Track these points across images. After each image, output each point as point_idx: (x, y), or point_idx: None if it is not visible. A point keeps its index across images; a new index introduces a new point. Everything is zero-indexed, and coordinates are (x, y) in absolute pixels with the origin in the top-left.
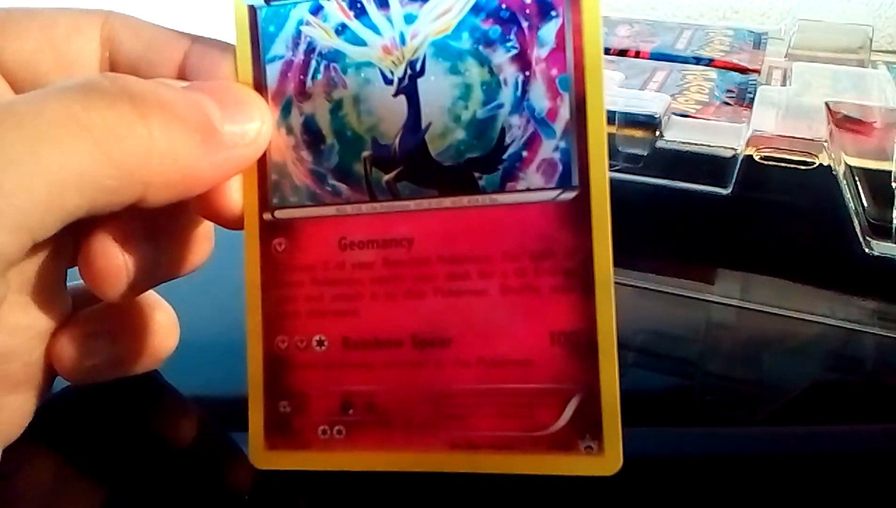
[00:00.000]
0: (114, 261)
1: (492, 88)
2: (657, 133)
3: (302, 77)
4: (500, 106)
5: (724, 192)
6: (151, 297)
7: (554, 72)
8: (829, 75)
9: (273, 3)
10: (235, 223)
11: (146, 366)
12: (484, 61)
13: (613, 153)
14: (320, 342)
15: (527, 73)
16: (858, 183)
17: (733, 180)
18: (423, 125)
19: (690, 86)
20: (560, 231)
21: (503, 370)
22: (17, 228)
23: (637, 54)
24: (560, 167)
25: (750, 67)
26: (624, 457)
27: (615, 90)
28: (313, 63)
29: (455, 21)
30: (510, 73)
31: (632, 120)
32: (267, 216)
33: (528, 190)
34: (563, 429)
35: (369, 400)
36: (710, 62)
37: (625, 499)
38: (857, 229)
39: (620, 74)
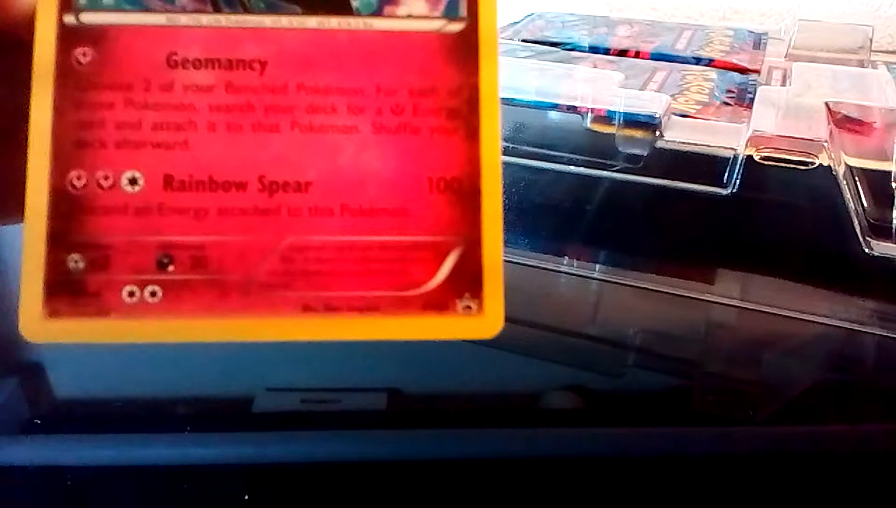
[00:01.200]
0: None
1: None
2: (657, 133)
3: None
4: None
5: (723, 192)
6: None
7: None
8: (828, 75)
9: None
10: (17, 28)
11: None
12: None
13: (613, 153)
14: (133, 181)
15: None
16: (858, 183)
17: (733, 181)
18: None
19: (690, 86)
20: (444, 66)
21: (372, 221)
22: None
23: (637, 54)
24: None
25: (750, 67)
26: (625, 456)
27: (615, 90)
28: None
29: None
30: None
31: (632, 120)
32: (69, 19)
33: (410, 17)
34: (439, 287)
35: (196, 253)
36: (710, 62)
37: (625, 499)
38: (857, 230)
39: (620, 74)
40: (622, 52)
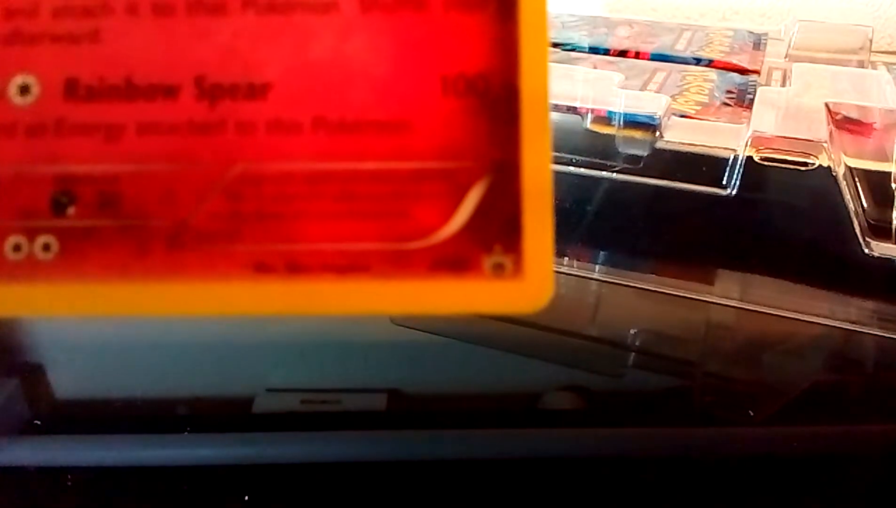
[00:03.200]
0: None
1: None
2: (657, 134)
3: None
4: None
5: (723, 193)
6: None
7: None
8: (828, 76)
9: None
10: None
11: None
12: None
13: (613, 154)
14: (24, 89)
15: None
16: (858, 184)
17: (733, 181)
18: None
19: (690, 87)
20: None
21: (357, 139)
22: None
23: (637, 55)
24: None
25: (750, 67)
26: (620, 440)
27: (615, 91)
28: None
29: None
30: None
31: (631, 121)
32: None
33: None
34: (456, 236)
35: (108, 188)
36: (709, 63)
37: (625, 500)
38: (857, 230)
39: (620, 74)
40: (622, 53)
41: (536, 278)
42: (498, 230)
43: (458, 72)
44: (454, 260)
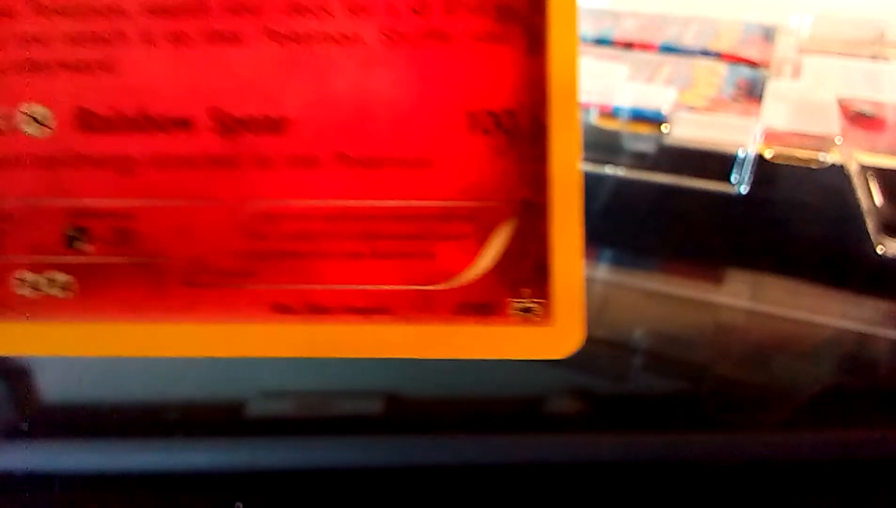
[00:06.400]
0: None
1: None
2: (664, 129)
3: None
4: None
5: (733, 189)
6: None
7: None
8: (841, 70)
9: None
10: None
11: None
12: None
13: (619, 150)
14: (37, 119)
15: None
16: (871, 181)
17: (743, 178)
18: None
19: (699, 80)
20: None
21: (380, 176)
22: None
23: (644, 48)
24: None
25: (760, 60)
26: (625, 445)
27: (621, 85)
28: None
29: None
30: None
31: (638, 115)
32: None
33: None
34: (482, 279)
35: (122, 225)
36: (719, 56)
37: (630, 506)
38: (870, 229)
39: (627, 67)
40: (628, 46)
41: (567, 324)
42: (526, 274)
43: (484, 107)
44: (480, 304)
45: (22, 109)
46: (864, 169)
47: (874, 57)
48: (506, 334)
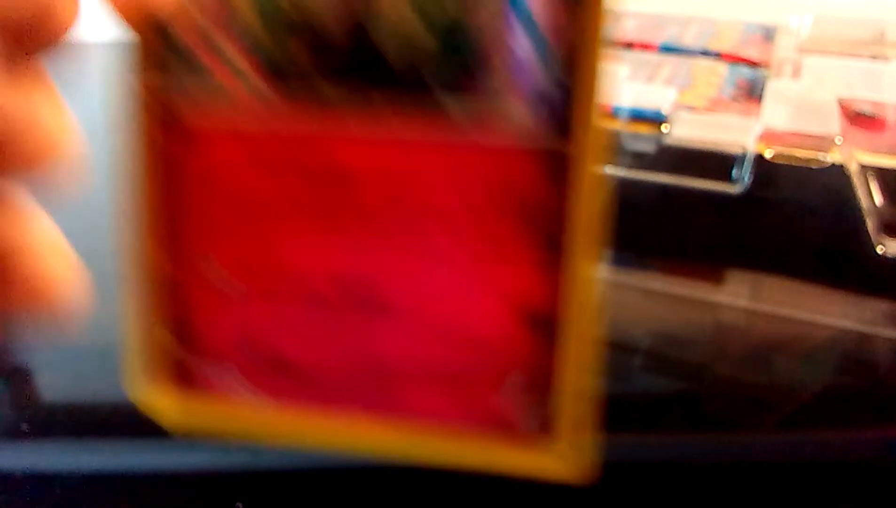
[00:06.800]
0: None
1: None
2: (664, 129)
3: None
4: (481, 7)
5: (733, 190)
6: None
7: None
8: (841, 70)
9: None
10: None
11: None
12: None
13: (619, 150)
14: (221, 277)
15: None
16: (871, 181)
17: (743, 177)
18: (372, 16)
19: (699, 80)
20: (541, 185)
21: (455, 346)
22: None
23: (644, 47)
24: (549, 105)
25: (760, 60)
26: (631, 462)
27: (621, 84)
28: None
29: None
30: None
31: (638, 115)
32: (160, 110)
33: (508, 121)
34: (518, 417)
35: (279, 356)
36: (718, 56)
37: (632, 506)
38: (870, 229)
39: (627, 67)
40: (628, 45)
41: (573, 456)
42: (547, 416)
43: (527, 303)
44: (515, 434)
45: (210, 261)
46: (864, 169)
47: (874, 57)
48: (531, 457)
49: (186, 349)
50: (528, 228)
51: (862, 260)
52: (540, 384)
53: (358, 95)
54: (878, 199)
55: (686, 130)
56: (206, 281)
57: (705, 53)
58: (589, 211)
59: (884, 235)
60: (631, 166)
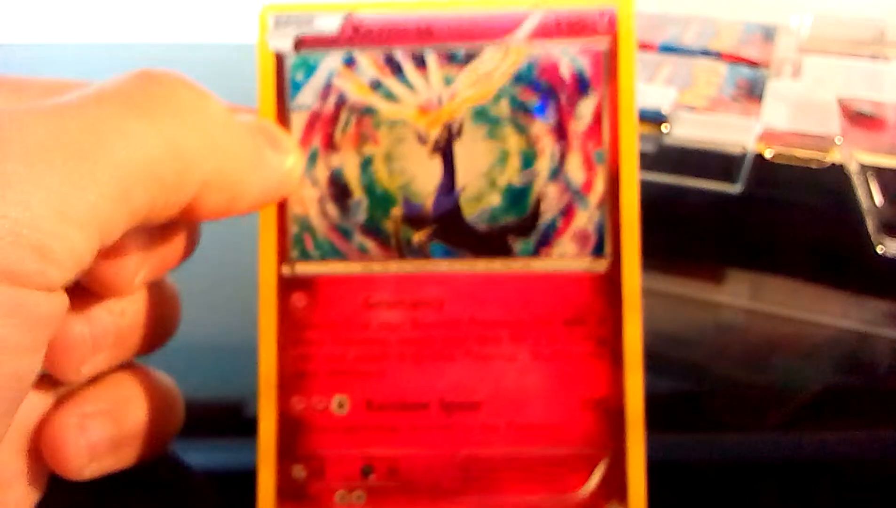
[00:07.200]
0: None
1: (529, 156)
2: (664, 128)
3: (330, 129)
4: (537, 175)
5: (733, 190)
6: (154, 372)
7: (590, 146)
8: (841, 70)
9: (303, 52)
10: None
11: (151, 449)
12: (522, 130)
13: None
14: (341, 404)
15: (564, 145)
16: (871, 181)
17: (743, 178)
18: (458, 187)
19: (699, 80)
20: (592, 299)
21: (532, 435)
22: (89, 225)
23: (644, 47)
24: (594, 238)
25: (760, 60)
26: None
27: None
28: (343, 116)
29: (495, 89)
30: (547, 143)
31: (638, 115)
32: (286, 270)
33: (562, 258)
34: (591, 494)
35: (392, 465)
36: (719, 56)
37: None
38: (870, 229)
39: None
40: None
41: None
42: (614, 491)
43: (591, 396)
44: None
45: (333, 399)
46: (864, 169)
47: (874, 57)
48: None
49: (316, 480)
50: (587, 333)
51: (862, 260)
52: (613, 461)
53: (442, 242)
54: (878, 199)
55: (686, 130)
56: (333, 416)
57: (705, 53)
58: (630, 316)
59: (884, 235)
60: None
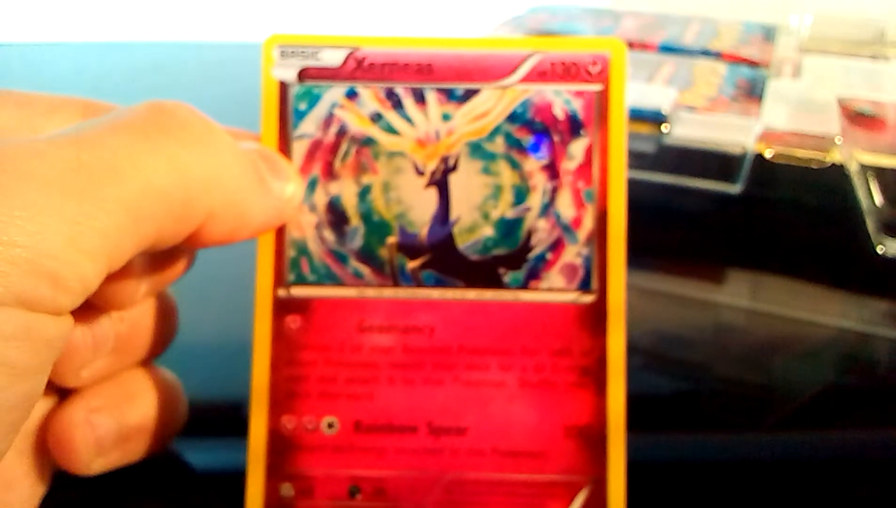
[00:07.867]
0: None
1: (522, 191)
2: (664, 129)
3: (330, 158)
4: (528, 209)
5: (733, 190)
6: (157, 369)
7: (580, 184)
8: (841, 70)
9: (306, 82)
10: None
11: (157, 444)
12: (516, 166)
13: None
14: (331, 425)
15: (555, 182)
16: (871, 181)
17: (743, 178)
18: (452, 218)
19: (699, 80)
20: (578, 331)
21: (516, 461)
22: (99, 253)
23: (644, 47)
24: (581, 272)
25: (760, 60)
26: (631, 462)
27: None
28: (344, 145)
29: (491, 126)
30: (540, 180)
31: (638, 115)
32: (282, 292)
33: (550, 290)
34: None
35: (379, 486)
36: (719, 56)
37: (631, 506)
38: (870, 229)
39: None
40: (628, 45)
41: None
42: None
43: (574, 423)
44: None
45: (323, 419)
46: (864, 169)
47: (874, 57)
48: None
49: (304, 499)
50: (572, 363)
51: (862, 260)
52: (594, 488)
53: (435, 271)
54: (878, 199)
55: (686, 130)
56: (323, 436)
57: (705, 53)
58: (615, 345)
59: (884, 235)
60: (631, 166)
